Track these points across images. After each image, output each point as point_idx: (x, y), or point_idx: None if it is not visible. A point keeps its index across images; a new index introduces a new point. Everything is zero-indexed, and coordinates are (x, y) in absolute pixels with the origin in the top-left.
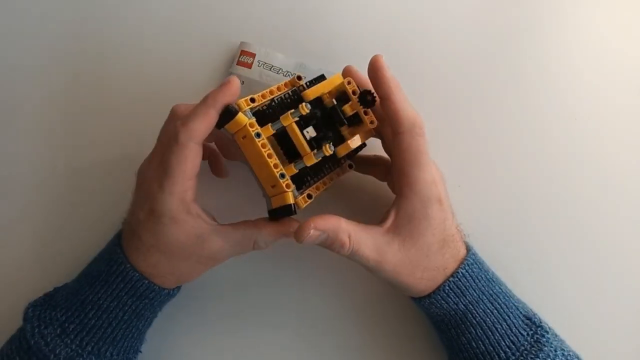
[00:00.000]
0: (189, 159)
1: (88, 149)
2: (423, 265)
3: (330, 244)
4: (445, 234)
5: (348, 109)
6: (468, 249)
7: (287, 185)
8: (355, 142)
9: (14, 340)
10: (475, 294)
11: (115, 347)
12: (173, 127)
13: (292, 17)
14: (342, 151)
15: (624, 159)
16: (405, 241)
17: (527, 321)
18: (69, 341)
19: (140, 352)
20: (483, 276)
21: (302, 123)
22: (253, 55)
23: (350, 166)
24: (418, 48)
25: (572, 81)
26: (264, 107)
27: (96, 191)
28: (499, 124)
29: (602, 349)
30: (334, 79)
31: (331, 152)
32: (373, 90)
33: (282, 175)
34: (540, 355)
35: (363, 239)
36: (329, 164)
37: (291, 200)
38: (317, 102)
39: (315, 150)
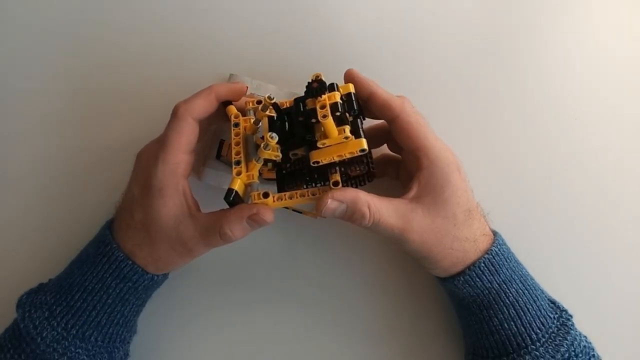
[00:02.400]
0: (185, 132)
1: (87, 147)
2: (452, 235)
3: (350, 216)
4: (470, 204)
5: (310, 103)
6: (494, 232)
7: (238, 172)
8: (316, 155)
9: (9, 329)
10: (507, 273)
11: (100, 333)
12: (176, 105)
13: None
14: (314, 157)
15: (625, 157)
16: (430, 209)
17: (552, 305)
18: (55, 324)
19: (129, 342)
20: (512, 257)
21: (279, 123)
22: (245, 89)
23: (335, 184)
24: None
25: (570, 81)
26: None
27: (96, 188)
28: (498, 124)
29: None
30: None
31: (271, 142)
32: (336, 84)
33: (237, 162)
34: (568, 338)
35: (384, 209)
36: (313, 178)
37: (235, 186)
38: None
39: (271, 135)
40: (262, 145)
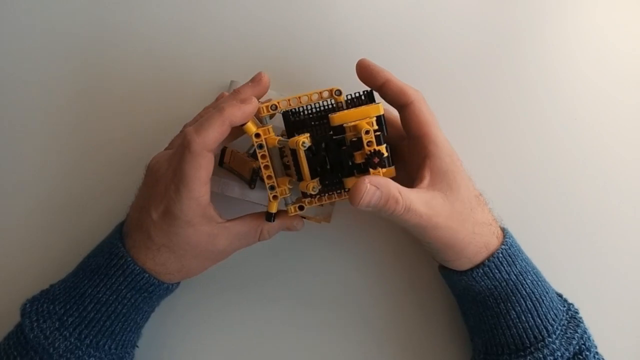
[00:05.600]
0: (203, 166)
1: (89, 150)
2: (472, 218)
3: (384, 203)
4: (476, 191)
5: (358, 157)
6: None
7: (274, 197)
8: (349, 182)
9: (12, 336)
10: (522, 264)
11: (114, 341)
12: (186, 133)
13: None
14: (348, 184)
15: (626, 156)
16: (447, 194)
17: (559, 297)
18: (67, 334)
19: (137, 346)
20: (521, 249)
21: (315, 149)
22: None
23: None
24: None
25: (573, 79)
26: (292, 114)
27: (96, 192)
28: (500, 123)
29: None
30: (370, 110)
31: (314, 193)
32: (386, 154)
33: (272, 188)
34: (579, 330)
35: (412, 196)
36: (340, 186)
37: (273, 210)
38: (339, 129)
39: (313, 183)
40: (305, 185)
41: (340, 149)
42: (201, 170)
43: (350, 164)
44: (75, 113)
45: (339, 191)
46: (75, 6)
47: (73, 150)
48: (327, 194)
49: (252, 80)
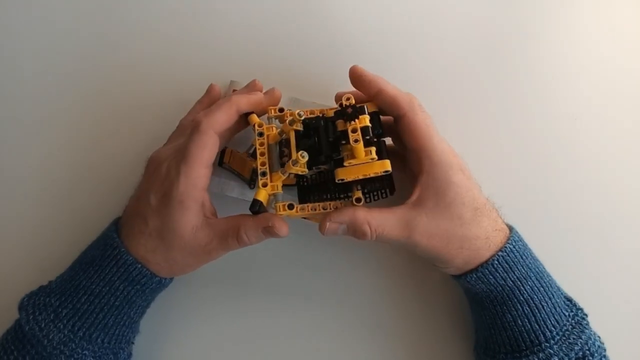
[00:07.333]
0: (208, 146)
1: (89, 149)
2: (459, 235)
3: (352, 234)
4: (477, 203)
5: (340, 125)
6: (509, 226)
7: (264, 184)
8: (341, 173)
9: (10, 331)
10: (523, 270)
11: (107, 334)
12: (195, 117)
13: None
14: (339, 174)
15: (632, 155)
16: (434, 212)
17: (568, 302)
18: (61, 326)
19: (133, 343)
20: (528, 253)
21: (306, 139)
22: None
23: (357, 200)
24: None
25: (577, 77)
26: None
27: (96, 189)
28: (503, 123)
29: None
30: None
31: (301, 160)
32: (367, 123)
33: (263, 174)
34: (583, 337)
35: (385, 221)
36: (335, 191)
37: (261, 197)
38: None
39: (300, 153)
40: (290, 160)
41: (327, 125)
42: (205, 150)
43: (335, 136)
44: (76, 113)
45: (333, 197)
46: (79, 6)
47: (73, 150)
48: (319, 200)
49: (247, 86)
